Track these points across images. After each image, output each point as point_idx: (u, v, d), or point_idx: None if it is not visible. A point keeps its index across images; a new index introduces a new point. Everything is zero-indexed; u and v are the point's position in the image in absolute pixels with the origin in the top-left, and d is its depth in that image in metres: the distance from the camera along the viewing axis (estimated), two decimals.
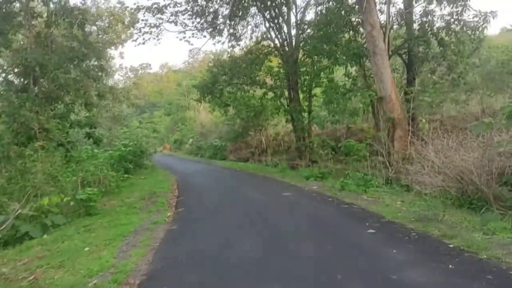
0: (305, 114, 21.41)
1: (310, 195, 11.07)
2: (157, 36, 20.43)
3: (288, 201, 10.42)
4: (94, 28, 41.06)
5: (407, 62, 17.53)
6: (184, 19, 20.10)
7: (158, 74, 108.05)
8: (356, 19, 17.70)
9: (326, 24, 17.39)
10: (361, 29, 17.97)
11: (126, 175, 18.07)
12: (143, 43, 20.03)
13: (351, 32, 18.14)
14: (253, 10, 23.19)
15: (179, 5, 19.51)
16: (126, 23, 36.52)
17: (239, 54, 23.98)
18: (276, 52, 22.72)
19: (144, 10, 18.61)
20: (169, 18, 19.67)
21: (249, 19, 23.80)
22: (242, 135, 30.13)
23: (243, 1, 22.39)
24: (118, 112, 30.28)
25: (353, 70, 17.81)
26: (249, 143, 30.21)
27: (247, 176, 18.11)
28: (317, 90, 21.48)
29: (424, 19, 16.64)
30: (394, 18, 16.64)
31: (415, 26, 17.07)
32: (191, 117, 49.11)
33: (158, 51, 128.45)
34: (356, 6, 16.32)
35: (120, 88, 43.13)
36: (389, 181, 11.72)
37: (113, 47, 40.55)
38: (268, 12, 22.30)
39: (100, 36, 40.22)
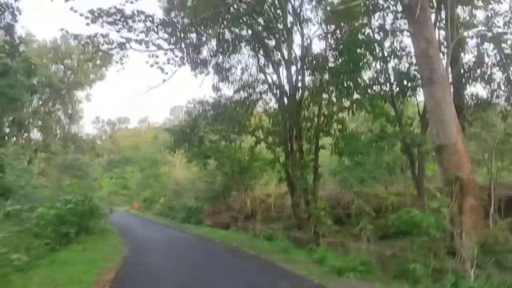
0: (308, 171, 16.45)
1: None
2: (120, 59, 15.55)
3: None
4: (61, 67, 36.65)
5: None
6: (158, 38, 15.36)
7: (136, 129, 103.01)
8: (389, 47, 13.32)
9: (350, 48, 12.90)
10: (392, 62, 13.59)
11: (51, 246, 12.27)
12: (100, 67, 15.19)
13: (378, 64, 13.64)
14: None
15: (150, 20, 14.84)
16: (98, 62, 32.02)
17: (227, 92, 19.27)
18: (272, 92, 18.08)
19: (102, 19, 13.77)
20: (138, 35, 14.89)
21: (239, 55, 19.37)
22: (223, 195, 24.71)
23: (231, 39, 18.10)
24: (72, 160, 24.65)
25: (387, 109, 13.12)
26: (231, 206, 24.81)
27: (234, 258, 12.31)
28: (325, 140, 16.66)
29: None
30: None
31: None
32: (165, 173, 43.58)
33: (138, 105, 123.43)
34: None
35: (85, 135, 38.07)
36: None
37: (79, 89, 35.80)
38: (263, 48, 17.98)
39: (68, 76, 35.64)
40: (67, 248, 13.77)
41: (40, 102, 32.83)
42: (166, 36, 15.66)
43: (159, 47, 15.27)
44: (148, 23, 15.19)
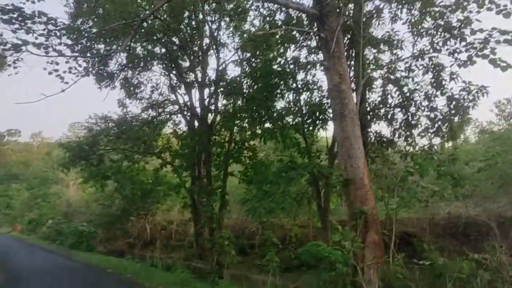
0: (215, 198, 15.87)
1: None
2: (14, 63, 13.73)
3: None
4: None
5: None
6: (60, 44, 13.92)
7: (28, 144, 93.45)
8: (302, 80, 13.53)
9: (265, 76, 12.88)
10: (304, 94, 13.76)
11: None
12: None
13: (291, 95, 13.75)
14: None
15: (52, 23, 13.43)
16: None
17: (134, 110, 18.15)
18: (183, 113, 17.41)
19: None
20: (37, 38, 13.34)
21: (150, 73, 18.51)
22: (121, 220, 22.94)
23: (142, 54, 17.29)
24: None
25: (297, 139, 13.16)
26: (129, 232, 23.15)
27: None
28: (235, 168, 16.31)
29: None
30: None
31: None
32: (56, 193, 39.80)
33: (32, 118, 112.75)
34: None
35: None
36: None
37: None
38: (176, 68, 17.38)
39: None
40: None
41: None
42: (69, 42, 14.28)
43: (61, 54, 13.83)
44: (50, 26, 13.74)
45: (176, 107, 17.61)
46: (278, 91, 13.45)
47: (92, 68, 15.37)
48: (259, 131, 13.92)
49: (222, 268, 12.84)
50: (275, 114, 13.31)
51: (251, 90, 14.09)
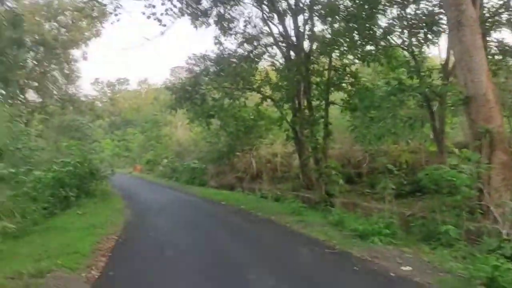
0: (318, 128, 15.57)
1: None
2: (114, 10, 14.43)
3: None
4: (55, 24, 34.92)
5: None
6: None
7: (136, 91, 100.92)
8: None
9: None
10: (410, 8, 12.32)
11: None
12: (95, 21, 14.15)
13: (394, 10, 12.41)
14: None
15: None
16: (93, 14, 30.09)
17: (230, 46, 18.01)
18: (278, 45, 16.93)
19: None
20: None
21: (241, 7, 18.02)
22: (228, 155, 23.95)
23: None
24: (70, 121, 23.68)
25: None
26: (236, 166, 24.11)
27: (244, 222, 11.48)
28: (336, 96, 15.71)
29: None
30: None
31: None
32: (167, 134, 42.76)
33: (137, 67, 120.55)
34: None
35: (83, 96, 36.82)
36: None
37: (75, 47, 34.24)
38: None
39: (62, 34, 33.97)
40: (66, 213, 13.19)
41: (35, 62, 31.76)
42: None
43: None
44: None
45: (271, 39, 17.15)
46: (380, 6, 12.24)
47: (186, 7, 15.47)
48: (360, 54, 12.99)
49: (331, 197, 12.83)
50: (377, 34, 12.25)
51: (349, 10, 13.04)
